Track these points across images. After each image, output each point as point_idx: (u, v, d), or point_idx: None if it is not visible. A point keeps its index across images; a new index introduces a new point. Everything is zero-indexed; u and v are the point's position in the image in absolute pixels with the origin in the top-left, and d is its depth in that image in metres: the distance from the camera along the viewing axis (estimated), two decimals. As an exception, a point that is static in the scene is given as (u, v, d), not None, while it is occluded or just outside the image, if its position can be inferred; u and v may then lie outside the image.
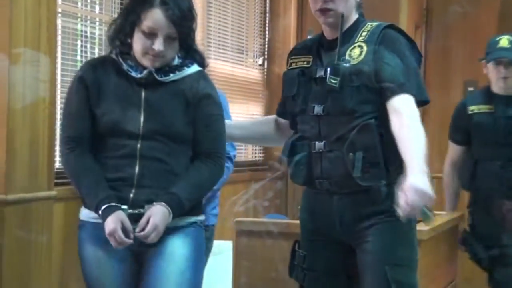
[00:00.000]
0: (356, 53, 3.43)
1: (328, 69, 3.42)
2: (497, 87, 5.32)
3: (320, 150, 3.45)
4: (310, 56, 3.58)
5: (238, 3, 7.23)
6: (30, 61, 4.03)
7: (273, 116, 3.89)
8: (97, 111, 3.34)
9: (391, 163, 3.38)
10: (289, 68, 3.65)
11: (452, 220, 5.35)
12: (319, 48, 3.58)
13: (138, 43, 3.31)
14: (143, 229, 3.20)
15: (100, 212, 3.23)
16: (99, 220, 3.26)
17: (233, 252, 4.69)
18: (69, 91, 3.43)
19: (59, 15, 4.60)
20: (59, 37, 4.58)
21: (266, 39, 7.73)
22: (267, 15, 7.74)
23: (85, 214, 3.40)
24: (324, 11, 3.42)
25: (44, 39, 4.15)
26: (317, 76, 3.47)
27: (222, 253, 4.87)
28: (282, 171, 6.67)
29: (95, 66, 3.42)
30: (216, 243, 5.08)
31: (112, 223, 3.19)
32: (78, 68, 3.64)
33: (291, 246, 3.64)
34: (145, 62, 3.33)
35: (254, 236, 4.34)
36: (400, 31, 3.55)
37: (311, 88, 3.51)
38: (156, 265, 3.34)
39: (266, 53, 7.71)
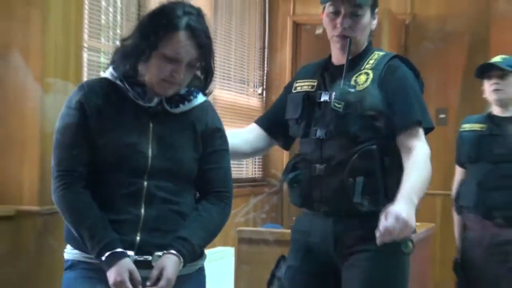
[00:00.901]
0: (362, 79, 3.22)
1: (333, 93, 3.20)
2: (493, 107, 4.73)
3: (321, 174, 3.20)
4: (315, 80, 3.32)
5: (241, 39, 7.21)
6: (59, 90, 3.98)
7: (244, 130, 3.52)
8: (98, 142, 2.67)
9: (392, 190, 3.09)
10: (294, 91, 3.36)
11: (424, 231, 5.17)
12: (323, 72, 3.33)
13: (155, 68, 2.68)
14: (154, 283, 2.60)
15: (103, 258, 2.59)
16: (96, 260, 2.63)
17: (235, 257, 4.58)
18: (62, 117, 2.72)
19: (85, 49, 4.64)
20: (84, 69, 4.60)
21: (265, 71, 7.74)
22: (266, 50, 7.74)
23: (78, 253, 2.70)
24: (342, 37, 3.22)
25: (72, 70, 4.17)
26: (322, 100, 3.25)
27: (225, 258, 4.86)
28: (278, 187, 6.68)
29: (94, 90, 2.72)
30: (220, 249, 5.12)
31: (119, 274, 2.58)
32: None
33: (276, 262, 3.48)
34: (158, 89, 2.71)
35: (253, 243, 4.26)
36: (406, 61, 3.37)
37: (314, 112, 3.26)
38: None
39: (265, 83, 7.72)
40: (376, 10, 3.30)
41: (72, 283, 2.71)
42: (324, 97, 3.23)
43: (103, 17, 4.96)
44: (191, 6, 2.72)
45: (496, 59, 4.63)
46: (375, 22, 3.30)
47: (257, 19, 7.55)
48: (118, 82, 2.73)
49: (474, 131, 4.65)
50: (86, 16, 4.49)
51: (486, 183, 4.47)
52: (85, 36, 4.49)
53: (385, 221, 2.88)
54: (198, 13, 2.72)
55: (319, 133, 3.21)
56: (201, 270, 2.84)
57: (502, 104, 4.60)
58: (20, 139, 3.63)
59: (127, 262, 2.60)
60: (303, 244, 3.28)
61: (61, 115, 2.72)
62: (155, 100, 2.71)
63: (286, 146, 3.53)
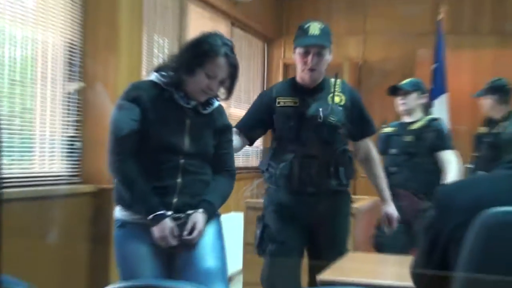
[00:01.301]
0: (337, 100, 3.18)
1: (321, 109, 3.11)
2: (403, 116, 4.48)
3: (310, 166, 3.14)
4: (296, 98, 3.20)
5: (247, 73, 7.03)
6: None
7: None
8: (148, 129, 2.59)
9: (351, 177, 3.28)
10: (280, 105, 3.22)
11: (371, 203, 4.91)
12: (298, 93, 3.21)
13: (198, 81, 2.62)
14: (189, 233, 2.60)
15: (151, 217, 2.54)
16: (140, 221, 2.59)
17: (244, 220, 4.47)
18: (120, 108, 2.62)
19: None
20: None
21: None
22: (265, 81, 7.58)
23: (126, 215, 2.64)
24: (311, 70, 3.15)
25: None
26: (310, 114, 3.13)
27: (237, 220, 4.67)
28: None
29: (146, 89, 2.64)
30: (233, 214, 5.01)
31: (163, 229, 2.54)
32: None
33: (259, 223, 3.25)
34: (196, 95, 2.66)
35: (256, 210, 3.88)
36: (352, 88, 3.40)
37: (302, 122, 3.14)
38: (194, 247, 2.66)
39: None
40: (331, 48, 3.19)
41: (123, 239, 2.64)
42: (312, 112, 3.13)
43: (154, 59, 4.86)
44: (227, 39, 2.72)
45: (403, 81, 4.50)
46: (331, 57, 3.21)
47: (259, 60, 7.46)
48: (165, 86, 2.65)
49: (385, 132, 4.48)
50: (144, 60, 4.45)
51: (388, 169, 4.18)
52: (143, 72, 4.55)
53: (392, 224, 3.34)
54: (231, 45, 2.70)
55: (309, 137, 3.13)
56: (218, 216, 2.78)
57: (407, 113, 4.43)
58: (100, 140, 3.46)
59: (169, 221, 2.56)
60: (286, 213, 3.21)
61: (119, 106, 2.62)
62: (192, 103, 2.67)
63: (252, 144, 3.41)
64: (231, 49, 2.69)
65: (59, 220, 3.62)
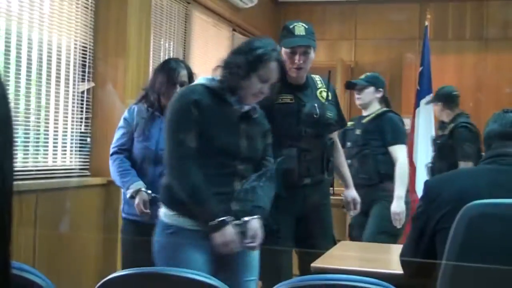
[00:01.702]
0: (324, 95, 3.18)
1: (316, 105, 3.09)
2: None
3: (306, 159, 3.10)
4: (291, 95, 3.12)
5: None
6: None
7: None
8: (207, 133, 2.40)
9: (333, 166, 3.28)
10: (278, 102, 3.09)
11: None
12: (291, 89, 3.13)
13: (251, 85, 2.47)
14: (251, 241, 2.42)
15: (215, 222, 2.33)
16: (196, 227, 2.39)
17: None
18: (179, 111, 2.42)
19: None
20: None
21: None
22: None
23: (181, 221, 2.41)
24: (298, 68, 3.10)
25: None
26: (307, 110, 3.09)
27: None
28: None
29: (203, 93, 2.45)
30: None
31: (225, 235, 2.34)
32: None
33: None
34: (249, 99, 2.51)
35: None
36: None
37: (299, 118, 3.09)
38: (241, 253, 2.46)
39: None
40: (315, 47, 3.16)
41: (176, 246, 2.40)
42: (308, 107, 3.10)
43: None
44: (275, 44, 2.60)
45: (361, 77, 4.36)
46: (314, 54, 3.16)
47: None
48: (219, 90, 2.48)
49: (345, 127, 4.00)
50: (150, 63, 4.39)
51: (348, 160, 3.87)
52: (150, 75, 4.54)
53: (356, 207, 3.33)
54: (279, 50, 2.61)
55: (306, 130, 3.09)
56: None
57: (363, 107, 4.30)
58: (110, 134, 3.39)
59: (231, 228, 2.35)
60: (280, 204, 2.97)
61: (177, 110, 2.42)
62: (246, 107, 2.51)
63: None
64: (279, 53, 2.60)
65: (71, 210, 3.61)
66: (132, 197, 3.06)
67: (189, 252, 2.38)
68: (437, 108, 4.86)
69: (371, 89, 4.27)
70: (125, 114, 3.26)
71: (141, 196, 3.03)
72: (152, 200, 3.02)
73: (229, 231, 2.35)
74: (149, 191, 3.06)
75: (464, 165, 4.41)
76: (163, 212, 2.46)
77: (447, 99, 4.80)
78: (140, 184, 3.07)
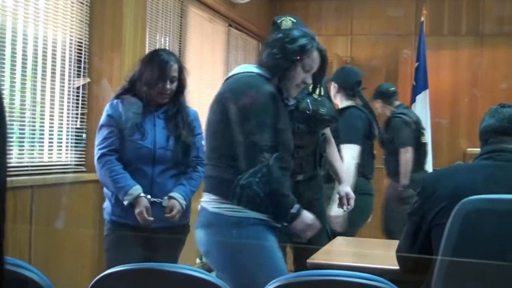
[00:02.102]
0: (317, 91, 3.05)
1: (308, 100, 3.04)
2: None
3: (300, 155, 3.03)
4: None
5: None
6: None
7: None
8: (276, 127, 2.35)
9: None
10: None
11: None
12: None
13: (295, 75, 2.41)
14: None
15: (293, 210, 2.33)
16: (267, 218, 2.34)
17: None
18: (262, 103, 2.33)
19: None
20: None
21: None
22: None
23: (258, 214, 2.32)
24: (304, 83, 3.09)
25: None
26: (299, 106, 3.01)
27: None
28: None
29: (271, 86, 2.38)
30: None
31: (309, 220, 2.38)
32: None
33: None
34: (291, 90, 2.46)
35: None
36: None
37: (292, 113, 2.93)
38: None
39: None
40: None
41: (258, 238, 2.33)
42: (302, 106, 3.03)
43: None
44: (313, 33, 2.53)
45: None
46: None
47: (254, 58, 7.12)
48: (276, 83, 2.41)
49: None
50: None
51: None
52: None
53: (350, 202, 3.19)
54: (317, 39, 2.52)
55: (300, 128, 3.03)
56: None
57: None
58: None
59: (308, 214, 2.39)
60: None
61: (258, 103, 2.33)
62: (292, 101, 2.48)
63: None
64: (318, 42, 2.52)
65: (66, 206, 3.60)
66: (131, 204, 2.78)
67: (270, 242, 2.36)
68: (378, 105, 4.88)
69: (334, 84, 4.25)
70: (108, 110, 2.91)
71: (142, 203, 2.76)
72: (152, 204, 2.81)
73: (309, 215, 2.38)
74: (148, 196, 2.81)
75: (404, 151, 4.53)
76: (224, 207, 2.34)
77: (385, 95, 4.90)
78: (138, 189, 2.79)
